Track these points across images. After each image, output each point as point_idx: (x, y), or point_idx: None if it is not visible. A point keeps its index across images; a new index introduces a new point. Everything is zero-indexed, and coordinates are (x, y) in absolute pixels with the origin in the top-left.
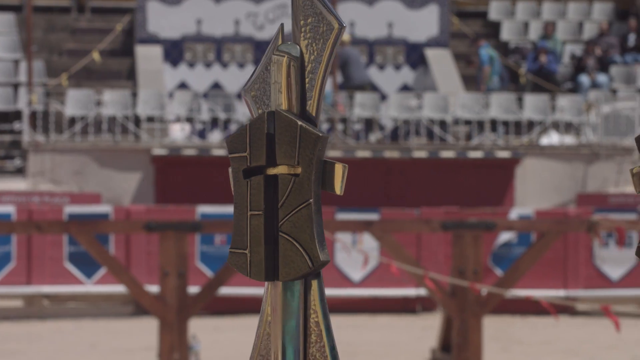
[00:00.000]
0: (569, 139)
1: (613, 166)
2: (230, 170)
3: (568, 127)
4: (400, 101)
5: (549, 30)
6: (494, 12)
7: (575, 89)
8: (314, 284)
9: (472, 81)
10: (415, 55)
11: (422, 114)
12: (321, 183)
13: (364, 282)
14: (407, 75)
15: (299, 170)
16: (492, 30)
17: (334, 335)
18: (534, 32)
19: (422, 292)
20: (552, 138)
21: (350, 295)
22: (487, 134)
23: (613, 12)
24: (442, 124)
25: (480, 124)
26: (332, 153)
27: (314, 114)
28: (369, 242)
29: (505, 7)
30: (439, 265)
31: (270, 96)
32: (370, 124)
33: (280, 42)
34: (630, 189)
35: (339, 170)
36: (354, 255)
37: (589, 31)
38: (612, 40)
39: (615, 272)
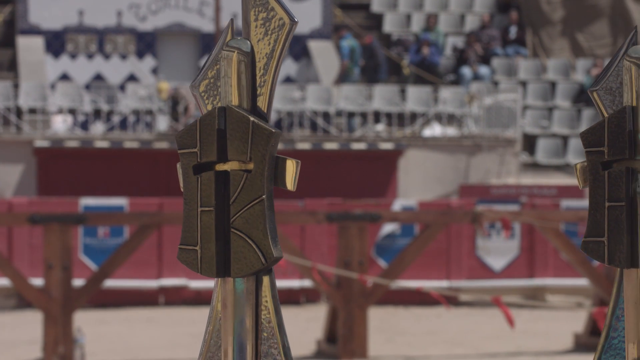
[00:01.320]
0: (452, 131)
1: (495, 157)
2: (178, 165)
3: (450, 119)
4: (283, 93)
5: (431, 23)
6: (377, 4)
7: (458, 81)
8: (266, 280)
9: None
10: (298, 47)
11: (305, 105)
12: (273, 179)
13: None
14: (290, 67)
15: (251, 166)
16: (375, 22)
17: (286, 331)
18: (417, 24)
19: (306, 283)
20: (434, 130)
21: None
22: (370, 125)
23: (494, 5)
24: (326, 116)
25: (364, 116)
26: None
27: (264, 110)
28: None
29: (387, 0)
30: (323, 257)
31: (221, 92)
32: None
33: (229, 37)
34: (511, 180)
35: (291, 166)
36: None
37: (471, 23)
38: (493, 32)
39: (497, 262)
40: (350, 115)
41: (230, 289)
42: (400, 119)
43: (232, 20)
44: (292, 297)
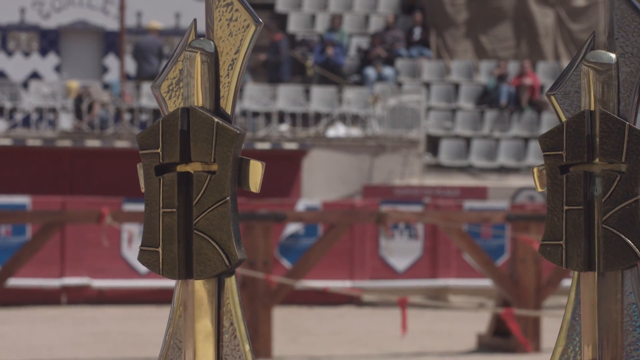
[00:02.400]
0: (356, 131)
1: (399, 158)
2: (139, 166)
3: (355, 120)
4: None
5: (335, 23)
6: (281, 4)
7: (362, 81)
8: (228, 282)
9: (259, 73)
10: None
11: None
12: (237, 181)
13: (151, 274)
14: None
15: (214, 167)
16: (280, 22)
17: (248, 334)
18: (321, 24)
19: None
20: (338, 130)
21: (138, 286)
22: (275, 125)
23: (399, 6)
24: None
25: (268, 116)
26: (119, 144)
27: (228, 111)
28: None
29: (292, 0)
30: None
31: (183, 93)
32: (158, 115)
33: (192, 38)
34: (415, 180)
35: (255, 167)
36: None
37: (375, 24)
38: (397, 33)
39: (400, 263)
40: (255, 114)
41: (192, 290)
42: (305, 119)
43: (194, 20)
44: None
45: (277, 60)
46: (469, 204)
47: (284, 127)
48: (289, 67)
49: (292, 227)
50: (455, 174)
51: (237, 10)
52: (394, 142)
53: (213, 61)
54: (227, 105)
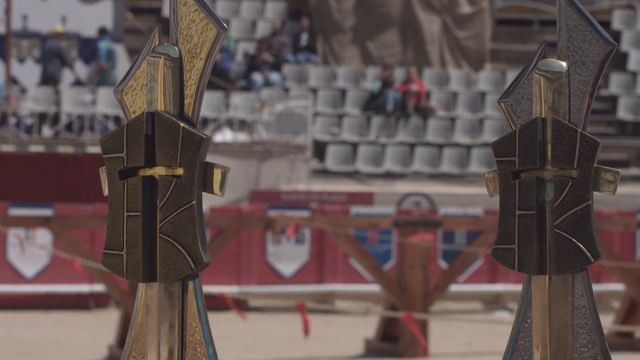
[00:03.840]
0: (243, 137)
1: (286, 164)
2: (101, 170)
3: (242, 125)
4: (74, 96)
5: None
6: (168, 9)
7: (249, 87)
8: (192, 285)
9: None
10: (88, 50)
11: (96, 109)
12: (203, 185)
13: (37, 279)
14: (81, 70)
15: (180, 171)
16: (166, 26)
17: (212, 336)
18: (235, 30)
19: (95, 288)
20: (225, 135)
21: (23, 291)
22: None
23: (286, 12)
24: (117, 120)
25: None
26: (4, 148)
27: (192, 116)
28: (42, 237)
29: None
30: None
31: (147, 97)
32: (44, 118)
33: (156, 43)
34: (302, 186)
35: (221, 172)
36: (28, 251)
37: (262, 30)
38: (284, 39)
39: (287, 268)
40: None
41: (155, 294)
42: (204, 124)
43: (159, 26)
44: (81, 302)
45: None
46: (356, 209)
47: None
48: None
49: None
50: (342, 179)
51: (202, 17)
52: (280, 148)
53: (177, 66)
54: (191, 110)
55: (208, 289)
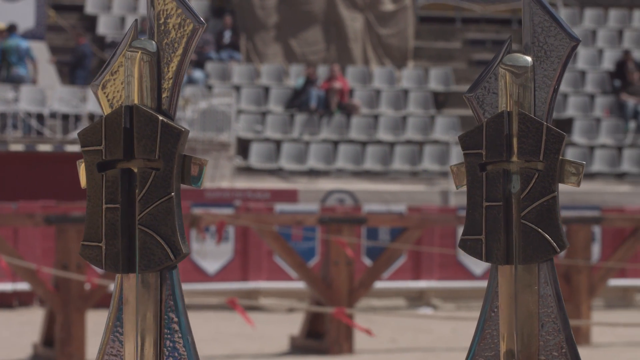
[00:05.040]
0: None
1: (209, 161)
2: (79, 162)
3: None
4: None
5: (145, 25)
6: (91, 6)
7: None
8: (170, 276)
9: (68, 75)
10: None
11: (18, 107)
12: (181, 177)
13: None
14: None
15: (158, 164)
16: (89, 23)
17: (190, 327)
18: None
19: (19, 287)
20: None
21: None
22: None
23: (209, 9)
24: (40, 118)
25: (78, 118)
26: None
27: (170, 110)
28: None
29: (101, 1)
30: (37, 260)
31: (124, 91)
32: None
33: (134, 37)
34: (225, 183)
35: (199, 165)
36: None
37: None
38: (207, 36)
39: (211, 266)
40: (65, 117)
41: (133, 285)
42: None
43: (136, 21)
44: (4, 301)
45: (81, 63)
46: (280, 206)
47: None
48: (94, 70)
49: None
50: (266, 176)
51: (179, 11)
52: (204, 145)
53: (155, 61)
54: (169, 104)
55: None
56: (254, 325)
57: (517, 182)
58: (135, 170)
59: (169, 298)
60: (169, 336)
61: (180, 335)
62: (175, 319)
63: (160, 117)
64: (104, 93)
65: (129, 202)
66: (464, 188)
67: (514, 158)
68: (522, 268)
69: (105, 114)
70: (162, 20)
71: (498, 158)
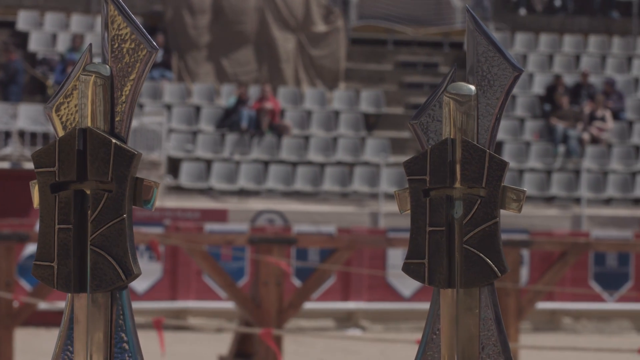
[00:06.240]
0: None
1: None
2: (32, 183)
3: None
4: None
5: (77, 43)
6: (22, 23)
7: None
8: (120, 296)
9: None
10: None
11: None
12: (133, 199)
13: None
14: None
15: (111, 186)
16: (21, 40)
17: (140, 346)
18: (62, 44)
19: None
20: None
21: None
22: (15, 144)
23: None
24: None
25: (8, 134)
26: None
27: (122, 133)
28: None
29: (33, 18)
30: None
31: (78, 114)
32: None
33: (88, 61)
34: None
35: (150, 187)
36: None
37: None
38: None
39: (140, 285)
40: None
41: (84, 304)
42: (45, 139)
43: (90, 45)
44: None
45: (12, 79)
46: (210, 226)
47: (26, 148)
48: (26, 86)
49: (31, 248)
50: (196, 196)
51: (134, 37)
52: None
53: (109, 84)
54: (122, 127)
55: (63, 304)
56: (164, 352)
57: (460, 207)
58: (88, 192)
59: (119, 318)
60: (119, 355)
61: (130, 354)
62: (126, 339)
63: (114, 140)
64: (58, 115)
65: (81, 223)
66: (397, 210)
67: (457, 184)
68: (463, 292)
69: (59, 136)
70: (117, 44)
71: (441, 184)
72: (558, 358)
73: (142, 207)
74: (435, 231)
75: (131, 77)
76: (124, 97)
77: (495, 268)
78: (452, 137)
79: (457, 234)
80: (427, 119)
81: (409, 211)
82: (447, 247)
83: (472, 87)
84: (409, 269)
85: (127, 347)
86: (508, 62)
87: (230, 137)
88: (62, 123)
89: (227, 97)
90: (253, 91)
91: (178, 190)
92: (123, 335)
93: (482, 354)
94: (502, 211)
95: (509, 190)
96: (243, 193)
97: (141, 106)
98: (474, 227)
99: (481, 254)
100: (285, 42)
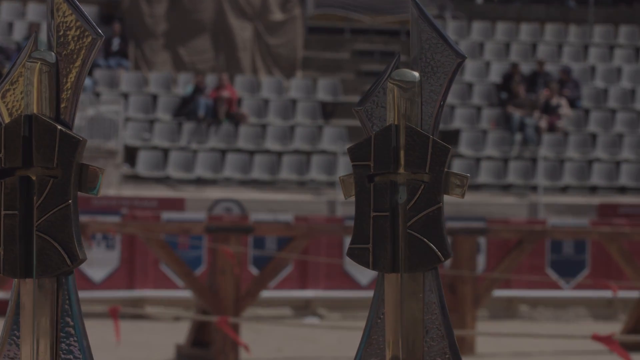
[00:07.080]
0: None
1: None
2: None
3: None
4: None
5: (33, 31)
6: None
7: None
8: (66, 281)
9: None
10: None
11: None
12: (78, 185)
13: None
14: None
15: (57, 172)
16: None
17: (86, 331)
18: (19, 32)
19: None
20: None
21: None
22: None
23: (97, 16)
24: None
25: None
26: None
27: (67, 119)
28: None
29: None
30: None
31: (23, 101)
32: None
33: (34, 48)
34: (112, 191)
35: (96, 173)
36: None
37: None
38: None
39: (97, 274)
40: None
41: (30, 289)
42: None
43: (35, 32)
44: None
45: None
46: (167, 214)
47: None
48: None
49: None
50: (153, 185)
51: (79, 24)
52: (91, 153)
53: (54, 71)
54: (67, 114)
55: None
56: (119, 339)
57: (404, 193)
58: (34, 178)
59: (65, 303)
60: (64, 340)
61: (75, 339)
62: (71, 323)
63: (59, 127)
64: (4, 102)
65: (27, 209)
66: (352, 198)
67: (401, 170)
68: (407, 276)
69: (5, 122)
70: (62, 32)
71: (385, 170)
72: (515, 345)
73: (88, 193)
74: (380, 216)
75: (76, 64)
76: (69, 84)
77: (439, 253)
78: (396, 123)
79: (401, 219)
80: (372, 105)
81: (354, 197)
82: (391, 232)
83: (416, 74)
84: (354, 253)
85: (72, 331)
86: (451, 49)
87: (188, 126)
88: (8, 110)
89: (184, 85)
90: (210, 80)
91: (135, 179)
92: (69, 320)
93: (426, 337)
94: (459, 200)
95: (453, 176)
96: (200, 182)
97: (98, 95)
98: (417, 212)
99: (425, 239)
100: (243, 31)
